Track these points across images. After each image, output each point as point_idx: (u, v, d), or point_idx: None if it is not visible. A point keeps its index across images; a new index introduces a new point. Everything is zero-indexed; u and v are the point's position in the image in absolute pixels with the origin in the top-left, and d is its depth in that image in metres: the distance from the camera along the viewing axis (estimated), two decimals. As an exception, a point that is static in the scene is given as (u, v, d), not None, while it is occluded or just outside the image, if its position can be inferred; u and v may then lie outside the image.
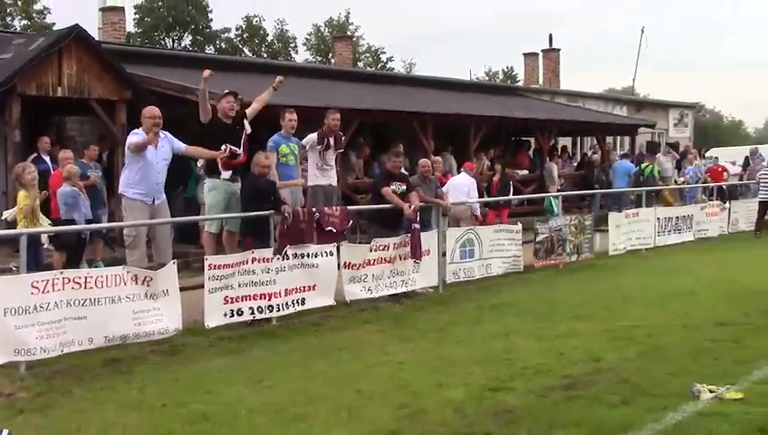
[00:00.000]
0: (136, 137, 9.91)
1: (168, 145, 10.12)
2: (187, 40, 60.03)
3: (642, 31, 44.40)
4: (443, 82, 28.53)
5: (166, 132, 10.17)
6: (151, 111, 10.08)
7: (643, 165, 22.09)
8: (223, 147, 10.35)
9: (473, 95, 27.76)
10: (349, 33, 56.71)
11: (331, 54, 48.44)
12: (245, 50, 62.14)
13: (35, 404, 6.94)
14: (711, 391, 6.75)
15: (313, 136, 11.90)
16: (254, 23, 63.43)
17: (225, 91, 10.93)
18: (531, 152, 25.26)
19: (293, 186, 11.67)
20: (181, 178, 14.62)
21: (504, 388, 7.24)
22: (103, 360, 8.30)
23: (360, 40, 63.54)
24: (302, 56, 63.73)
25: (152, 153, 9.91)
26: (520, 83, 47.16)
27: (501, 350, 8.76)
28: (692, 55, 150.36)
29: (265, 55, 60.06)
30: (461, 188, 15.48)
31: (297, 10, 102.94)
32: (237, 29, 63.17)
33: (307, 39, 65.66)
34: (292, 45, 65.20)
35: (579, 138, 31.64)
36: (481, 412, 6.57)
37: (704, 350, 8.60)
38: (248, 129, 10.98)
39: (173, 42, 59.11)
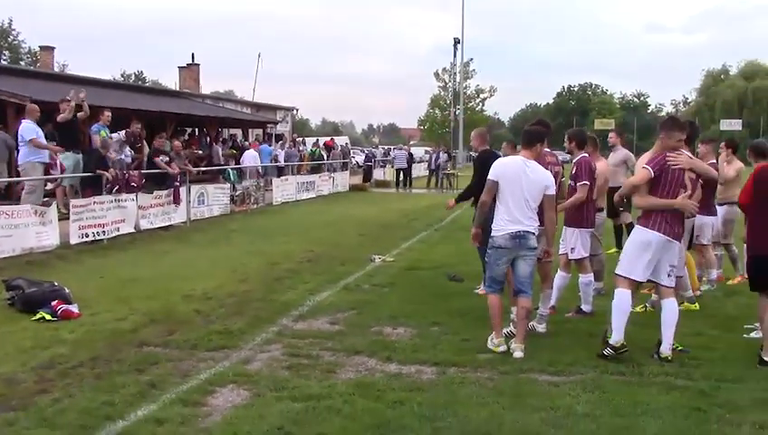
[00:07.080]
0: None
1: None
2: None
3: (259, 55, 48.27)
4: (141, 88, 29.25)
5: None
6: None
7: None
8: None
9: (158, 97, 28.74)
10: (11, 37, 53.00)
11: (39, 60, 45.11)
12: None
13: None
14: (379, 258, 10.61)
15: (121, 133, 13.76)
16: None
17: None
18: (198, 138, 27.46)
19: None
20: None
21: (276, 262, 10.22)
22: (25, 262, 9.60)
23: (21, 43, 59.21)
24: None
25: None
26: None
27: (256, 250, 11.49)
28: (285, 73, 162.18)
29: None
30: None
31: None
32: None
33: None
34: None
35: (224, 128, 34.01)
36: (278, 270, 9.61)
37: (362, 243, 12.39)
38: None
39: None
